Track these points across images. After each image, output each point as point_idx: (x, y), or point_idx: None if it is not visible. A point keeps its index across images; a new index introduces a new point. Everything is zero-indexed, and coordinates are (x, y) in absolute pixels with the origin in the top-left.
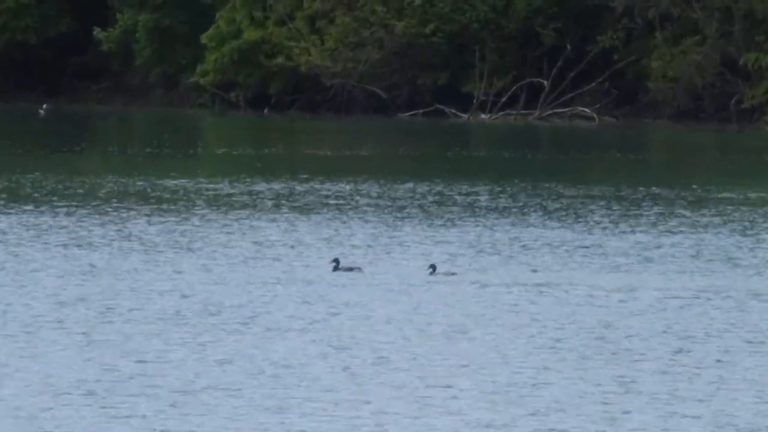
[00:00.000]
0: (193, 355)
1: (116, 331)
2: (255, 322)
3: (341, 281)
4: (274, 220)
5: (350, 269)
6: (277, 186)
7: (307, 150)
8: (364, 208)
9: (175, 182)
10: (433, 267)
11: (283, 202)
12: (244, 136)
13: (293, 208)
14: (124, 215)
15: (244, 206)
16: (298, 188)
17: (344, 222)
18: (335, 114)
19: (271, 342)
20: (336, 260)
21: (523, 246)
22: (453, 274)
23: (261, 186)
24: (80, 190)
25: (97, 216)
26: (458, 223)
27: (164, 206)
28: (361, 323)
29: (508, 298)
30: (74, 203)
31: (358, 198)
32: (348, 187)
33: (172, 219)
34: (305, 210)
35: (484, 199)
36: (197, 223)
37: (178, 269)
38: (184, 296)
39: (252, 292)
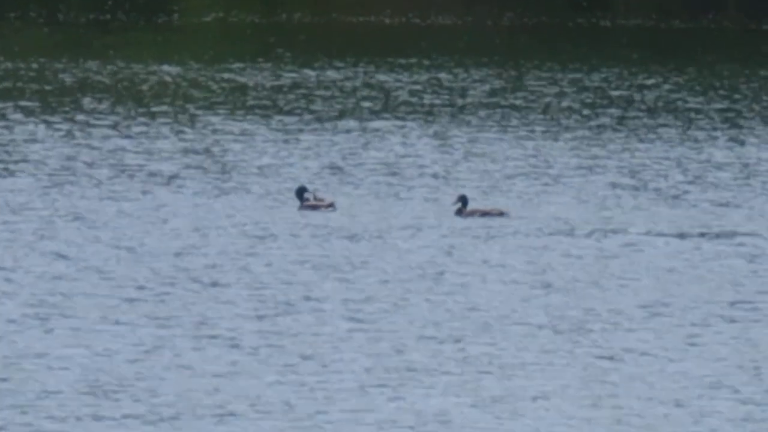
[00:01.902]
0: None
1: None
2: None
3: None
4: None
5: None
6: (311, 80)
7: (349, 16)
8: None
9: (143, 80)
10: (463, 201)
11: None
12: None
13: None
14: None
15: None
16: (349, 84)
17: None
18: None
19: None
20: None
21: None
22: (501, 213)
23: (287, 79)
24: None
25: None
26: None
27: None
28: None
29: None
30: None
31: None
32: (420, 84)
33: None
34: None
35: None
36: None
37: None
38: None
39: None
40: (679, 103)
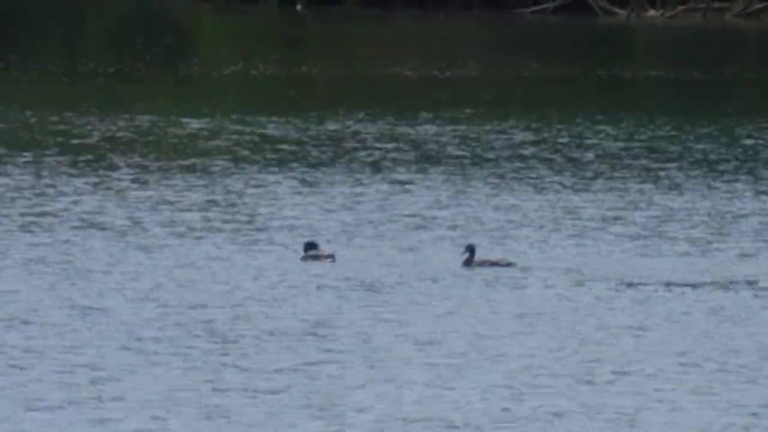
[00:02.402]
0: None
1: None
2: None
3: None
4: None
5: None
6: (336, 134)
7: (374, 66)
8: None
9: (159, 132)
10: (471, 250)
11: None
12: (264, 43)
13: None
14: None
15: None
16: (370, 141)
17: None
18: (418, 9)
19: None
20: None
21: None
22: (509, 264)
23: (312, 132)
24: None
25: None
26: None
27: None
28: None
29: None
30: None
31: (471, 161)
32: (444, 136)
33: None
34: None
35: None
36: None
37: None
38: None
39: None
40: (701, 153)
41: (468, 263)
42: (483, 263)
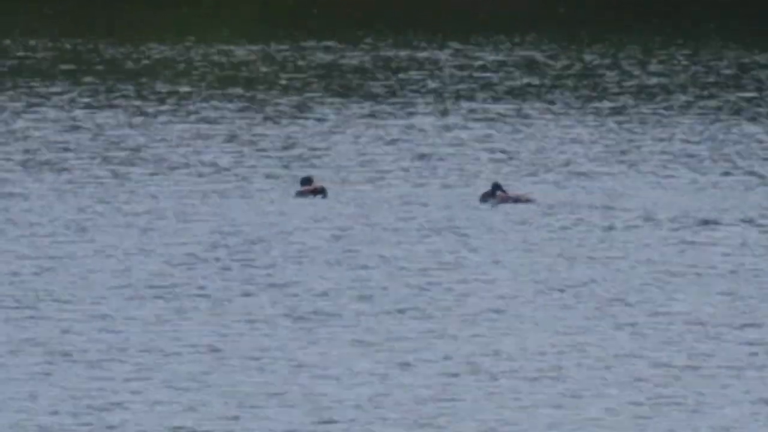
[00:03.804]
0: None
1: None
2: None
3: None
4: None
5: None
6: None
7: None
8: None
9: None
10: (497, 187)
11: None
12: None
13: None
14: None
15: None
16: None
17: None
18: None
19: None
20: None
21: None
22: (528, 200)
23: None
24: None
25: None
26: None
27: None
28: None
29: None
30: None
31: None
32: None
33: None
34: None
35: None
36: None
37: None
38: None
39: None
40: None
41: (485, 199)
42: (506, 199)
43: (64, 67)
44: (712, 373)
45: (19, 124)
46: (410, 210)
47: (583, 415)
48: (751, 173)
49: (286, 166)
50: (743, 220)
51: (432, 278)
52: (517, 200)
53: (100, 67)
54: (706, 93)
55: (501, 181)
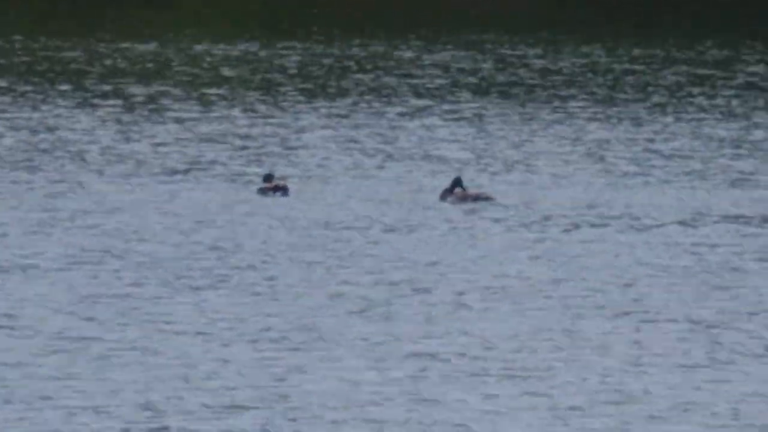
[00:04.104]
0: None
1: None
2: None
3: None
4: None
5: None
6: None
7: None
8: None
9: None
10: (457, 182)
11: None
12: None
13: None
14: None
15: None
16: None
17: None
18: None
19: None
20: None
21: None
22: (487, 198)
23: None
24: None
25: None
26: None
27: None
28: None
29: None
30: None
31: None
32: None
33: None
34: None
35: None
36: None
37: None
38: None
39: None
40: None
41: (444, 196)
42: (465, 198)
43: (38, 67)
44: (687, 370)
45: None
46: (367, 208)
47: (553, 413)
48: (725, 172)
49: (255, 162)
50: (714, 220)
51: (391, 276)
52: (476, 198)
53: (75, 67)
54: (683, 92)
55: (464, 180)
